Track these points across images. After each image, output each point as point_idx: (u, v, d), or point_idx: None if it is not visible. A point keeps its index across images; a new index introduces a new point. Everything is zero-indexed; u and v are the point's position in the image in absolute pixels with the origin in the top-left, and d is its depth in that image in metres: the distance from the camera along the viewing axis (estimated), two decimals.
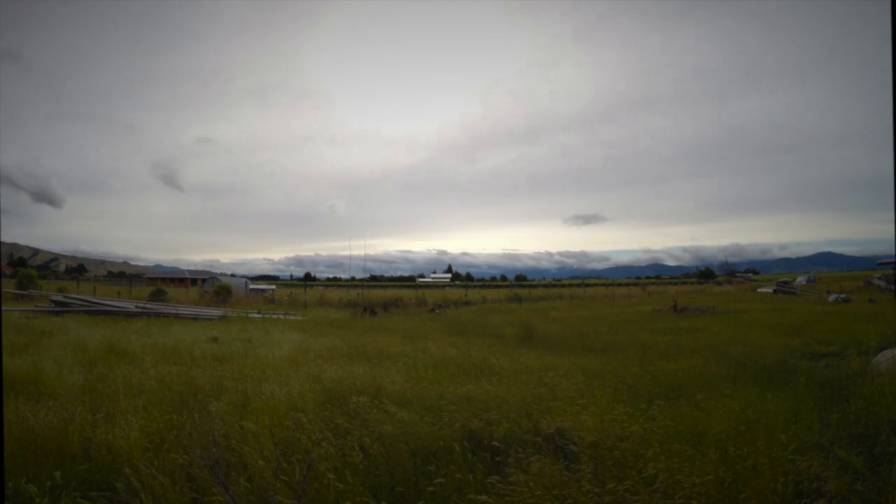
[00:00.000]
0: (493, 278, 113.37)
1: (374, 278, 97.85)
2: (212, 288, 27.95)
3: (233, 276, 55.10)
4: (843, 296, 24.01)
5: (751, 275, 67.63)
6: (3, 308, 16.01)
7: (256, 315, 17.19)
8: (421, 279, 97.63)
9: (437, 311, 21.94)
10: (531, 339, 10.61)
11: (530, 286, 63.45)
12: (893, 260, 30.59)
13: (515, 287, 55.57)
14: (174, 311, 16.58)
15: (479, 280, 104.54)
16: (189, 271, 74.34)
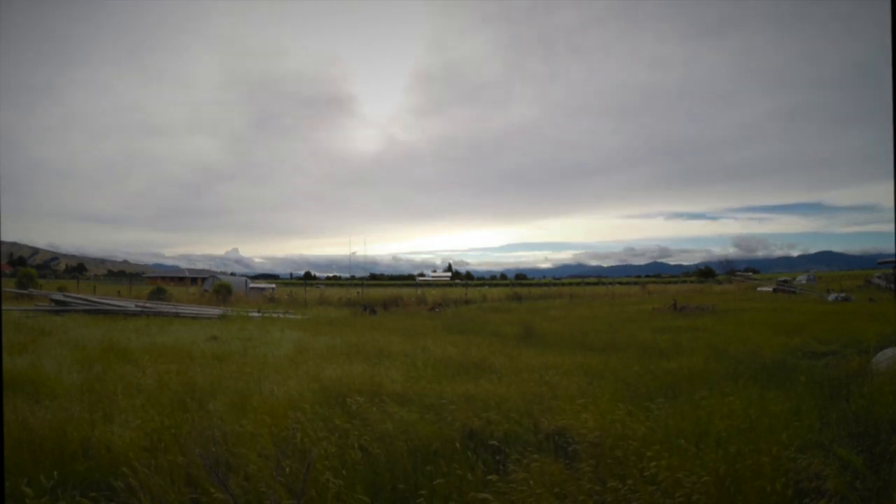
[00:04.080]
0: (493, 277, 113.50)
1: (373, 277, 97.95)
2: (212, 287, 27.96)
3: (233, 274, 55.16)
4: (842, 295, 24.01)
5: (751, 274, 67.68)
6: (4, 307, 16.00)
7: (256, 314, 17.19)
8: (421, 278, 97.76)
9: (436, 309, 21.94)
10: (531, 337, 10.61)
11: (530, 285, 63.49)
12: (893, 259, 30.62)
13: (515, 286, 55.58)
14: (174, 311, 16.58)
15: (478, 279, 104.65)
16: (189, 270, 74.35)
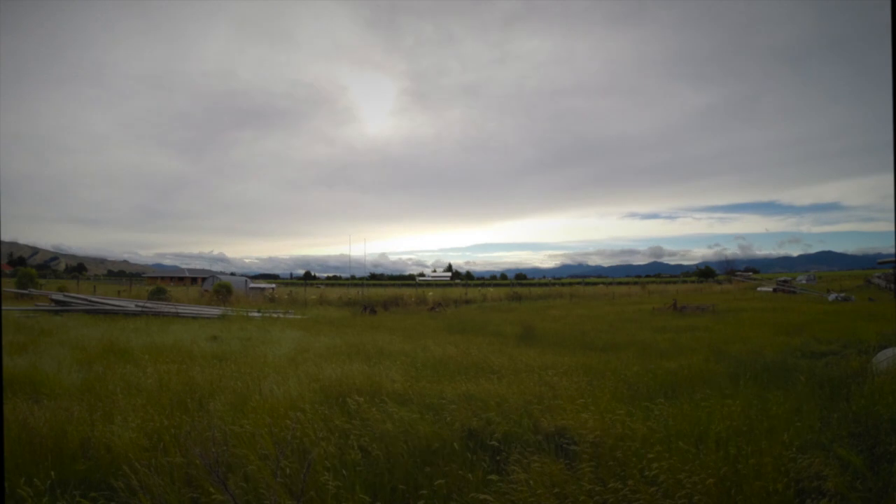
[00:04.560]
0: (494, 277, 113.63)
1: (374, 277, 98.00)
2: (212, 287, 27.95)
3: (233, 274, 55.16)
4: (842, 295, 24.01)
5: (751, 273, 67.73)
6: (4, 307, 16.00)
7: (256, 314, 17.18)
8: (421, 277, 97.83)
9: (436, 309, 21.93)
10: (531, 337, 10.61)
11: (530, 285, 63.55)
12: (893, 259, 30.61)
13: (515, 286, 55.61)
14: (174, 310, 16.57)
15: (479, 278, 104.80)
16: (189, 270, 74.42)
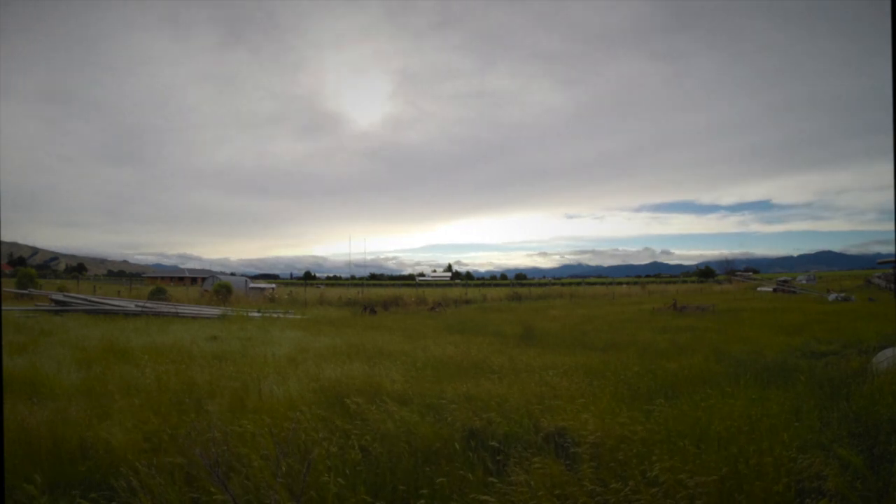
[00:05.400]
0: (494, 277, 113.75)
1: (373, 277, 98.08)
2: (212, 287, 27.95)
3: (233, 274, 55.14)
4: (843, 295, 24.02)
5: (751, 273, 67.74)
6: (4, 307, 15.99)
7: (256, 314, 17.17)
8: (420, 277, 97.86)
9: (436, 309, 21.93)
10: (531, 337, 10.60)
11: (530, 285, 63.55)
12: (893, 259, 30.63)
13: (515, 286, 55.59)
14: (174, 310, 16.56)
15: (478, 278, 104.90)
16: (189, 270, 74.45)
